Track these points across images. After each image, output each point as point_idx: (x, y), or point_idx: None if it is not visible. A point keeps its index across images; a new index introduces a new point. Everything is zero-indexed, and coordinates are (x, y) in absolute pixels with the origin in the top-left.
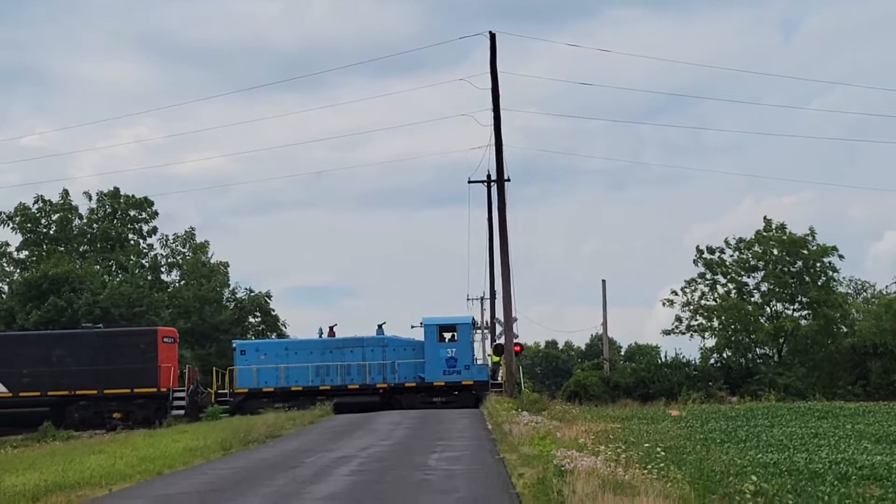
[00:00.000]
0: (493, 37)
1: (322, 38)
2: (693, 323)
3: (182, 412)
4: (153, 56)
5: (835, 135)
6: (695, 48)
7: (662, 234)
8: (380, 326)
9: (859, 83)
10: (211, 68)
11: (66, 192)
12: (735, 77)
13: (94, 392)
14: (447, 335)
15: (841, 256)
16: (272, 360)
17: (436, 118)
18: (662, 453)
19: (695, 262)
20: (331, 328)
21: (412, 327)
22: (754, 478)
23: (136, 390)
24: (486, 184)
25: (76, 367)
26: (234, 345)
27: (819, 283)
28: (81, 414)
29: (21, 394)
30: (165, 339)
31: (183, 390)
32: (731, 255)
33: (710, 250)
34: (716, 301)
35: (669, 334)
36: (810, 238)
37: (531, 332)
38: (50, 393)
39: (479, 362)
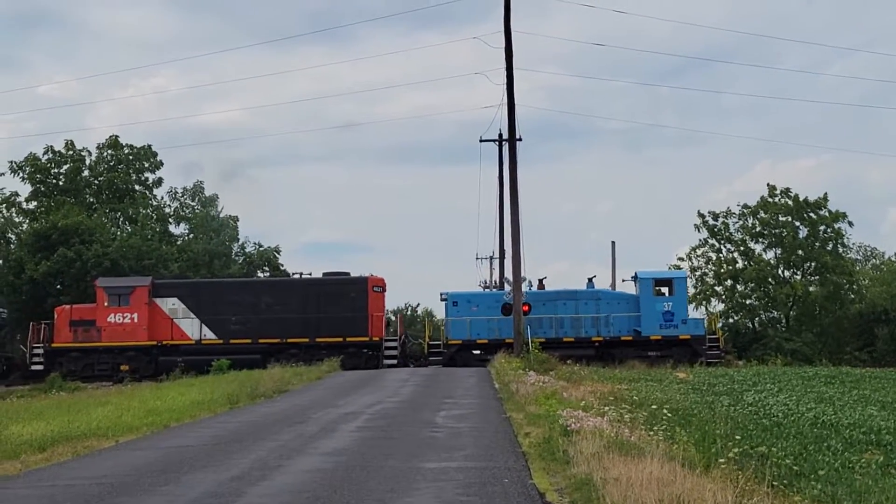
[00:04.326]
0: None
1: None
2: (699, 288)
3: (395, 362)
4: (176, 5)
5: (854, 100)
6: (716, 9)
7: (678, 195)
8: (590, 280)
9: (881, 48)
10: (233, 19)
11: (71, 143)
12: (756, 40)
13: (306, 340)
14: (663, 289)
15: (850, 223)
16: (484, 311)
17: (454, 75)
18: (668, 415)
19: (696, 227)
20: (540, 281)
21: (623, 281)
22: (747, 438)
23: (347, 339)
24: (497, 143)
25: (286, 314)
26: (444, 295)
27: (828, 249)
28: (292, 362)
29: (231, 341)
30: (375, 289)
31: (395, 339)
32: (737, 222)
33: (714, 216)
34: (724, 266)
35: None
36: (823, 202)
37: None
38: (261, 340)
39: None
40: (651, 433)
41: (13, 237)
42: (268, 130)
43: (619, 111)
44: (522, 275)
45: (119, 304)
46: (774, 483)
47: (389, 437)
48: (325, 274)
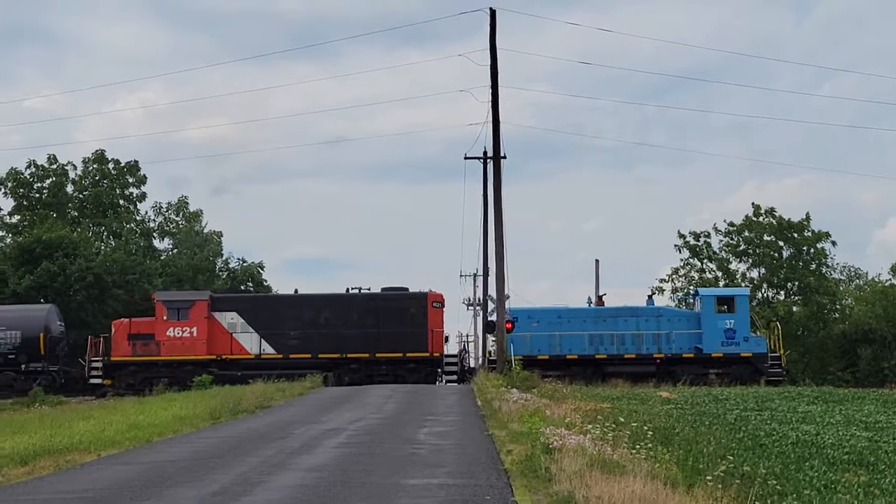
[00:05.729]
0: (493, 13)
1: (332, 5)
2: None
3: (454, 378)
4: (162, 21)
5: (843, 120)
6: (705, 29)
7: (665, 214)
8: (650, 297)
9: (870, 69)
10: (219, 35)
11: (54, 157)
12: (745, 60)
13: (366, 356)
14: (724, 307)
15: (834, 243)
16: (545, 327)
17: (440, 92)
18: (651, 433)
19: (677, 248)
20: (599, 297)
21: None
22: (730, 457)
23: (407, 355)
24: (482, 160)
25: (345, 330)
26: None
27: (812, 269)
28: (352, 377)
29: (291, 356)
30: (435, 304)
31: (455, 356)
32: (721, 241)
33: (696, 235)
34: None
35: None
36: (806, 223)
37: None
38: (321, 356)
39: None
40: (634, 451)
41: None
42: (254, 146)
43: (606, 129)
44: (506, 292)
45: (178, 318)
46: (757, 502)
47: (371, 454)
48: (383, 289)
